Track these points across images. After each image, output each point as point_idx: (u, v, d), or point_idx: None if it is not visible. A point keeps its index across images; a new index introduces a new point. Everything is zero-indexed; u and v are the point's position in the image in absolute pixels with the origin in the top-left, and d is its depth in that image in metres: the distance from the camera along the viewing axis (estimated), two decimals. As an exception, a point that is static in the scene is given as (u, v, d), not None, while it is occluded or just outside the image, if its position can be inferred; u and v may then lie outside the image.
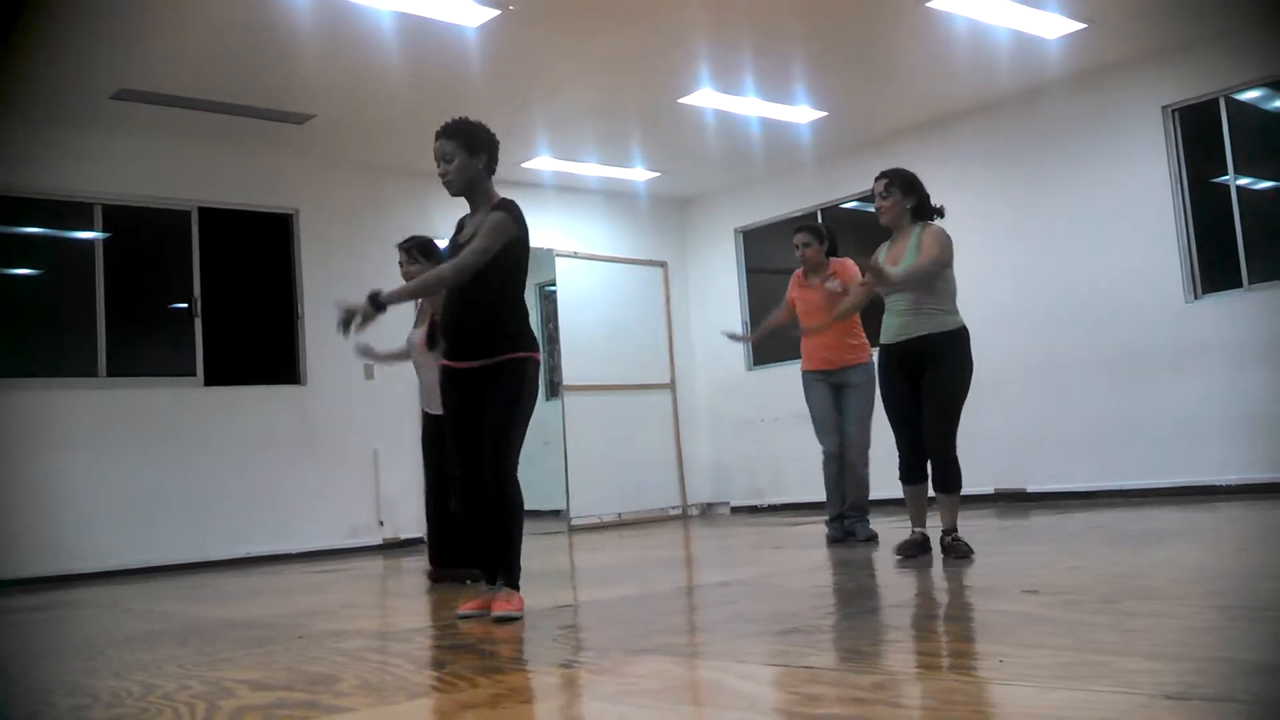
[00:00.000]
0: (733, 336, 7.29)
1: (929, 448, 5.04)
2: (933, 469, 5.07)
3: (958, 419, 5.04)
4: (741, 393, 11.16)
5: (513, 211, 4.05)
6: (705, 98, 8.56)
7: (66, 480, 7.90)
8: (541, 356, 4.18)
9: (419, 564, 7.62)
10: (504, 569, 4.08)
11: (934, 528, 5.19)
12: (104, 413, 8.19)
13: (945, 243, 5.11)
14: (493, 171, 4.17)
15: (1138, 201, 8.38)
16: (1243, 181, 8.06)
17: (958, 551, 4.95)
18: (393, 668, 3.17)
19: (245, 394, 8.88)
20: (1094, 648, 2.76)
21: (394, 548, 9.27)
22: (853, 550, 5.94)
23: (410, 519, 9.50)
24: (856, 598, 4.18)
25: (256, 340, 9.22)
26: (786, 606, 3.93)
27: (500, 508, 4.03)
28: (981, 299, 7.75)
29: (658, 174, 10.72)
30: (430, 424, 5.73)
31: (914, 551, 5.14)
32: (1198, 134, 8.23)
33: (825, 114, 9.16)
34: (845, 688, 2.44)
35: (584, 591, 5.26)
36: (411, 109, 8.36)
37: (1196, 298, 8.14)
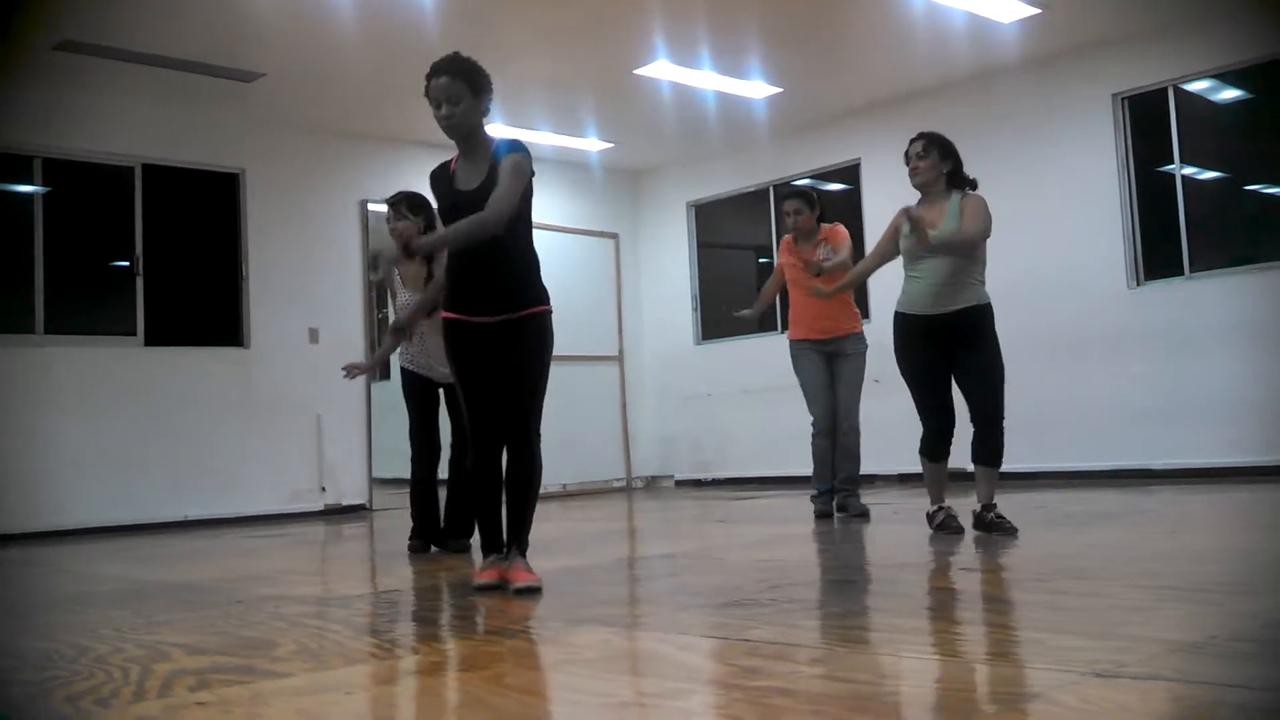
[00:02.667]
0: (742, 315, 6.69)
1: (989, 417, 4.85)
2: (984, 439, 4.87)
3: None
4: (689, 366, 11.19)
5: (528, 152, 3.82)
6: (661, 69, 8.53)
7: None
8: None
9: (360, 531, 7.58)
10: (518, 535, 3.91)
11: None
12: (40, 371, 8.03)
13: (989, 214, 5.02)
14: (488, 114, 3.94)
15: (1085, 187, 8.47)
16: (1188, 171, 8.17)
17: (1003, 528, 4.83)
18: (331, 634, 3.15)
19: (186, 355, 8.75)
20: (1027, 625, 2.80)
21: (335, 514, 9.20)
22: (846, 524, 5.86)
23: (352, 486, 9.45)
24: (797, 573, 4.22)
25: (199, 301, 9.08)
26: (729, 580, 3.96)
27: (527, 468, 3.92)
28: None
29: (611, 145, 10.67)
30: (418, 389, 5.48)
31: (957, 526, 5.00)
32: (1146, 122, 8.33)
33: (780, 90, 9.16)
34: (783, 661, 2.46)
35: (526, 561, 5.25)
36: (364, 72, 8.23)
37: (1139, 284, 8.26)
